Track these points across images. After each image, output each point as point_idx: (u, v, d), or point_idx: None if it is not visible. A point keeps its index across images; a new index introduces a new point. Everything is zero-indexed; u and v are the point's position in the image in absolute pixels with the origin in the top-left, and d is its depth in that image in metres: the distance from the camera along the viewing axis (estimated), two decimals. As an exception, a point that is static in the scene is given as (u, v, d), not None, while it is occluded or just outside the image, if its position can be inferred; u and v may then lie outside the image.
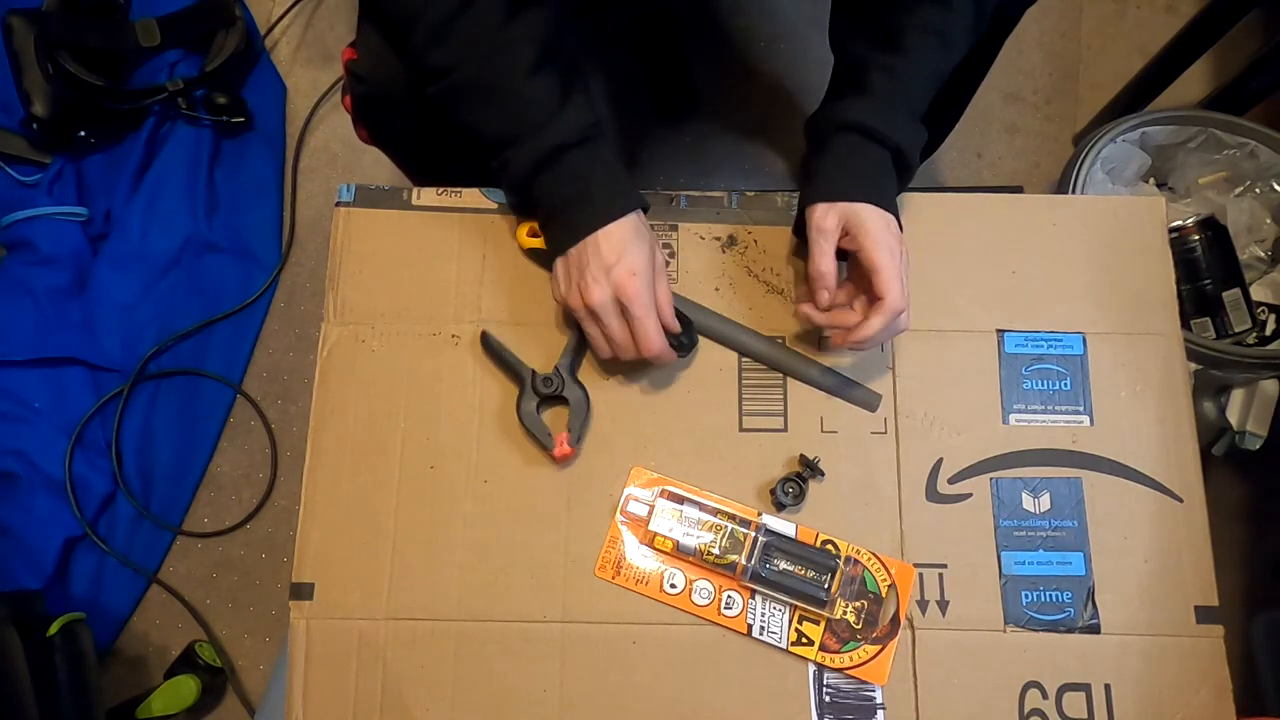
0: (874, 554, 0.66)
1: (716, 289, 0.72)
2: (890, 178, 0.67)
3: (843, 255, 0.67)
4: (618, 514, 0.67)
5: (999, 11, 0.73)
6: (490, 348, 0.69)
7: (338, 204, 0.74)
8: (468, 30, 0.64)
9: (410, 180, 0.92)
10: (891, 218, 0.65)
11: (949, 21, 0.67)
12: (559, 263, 0.66)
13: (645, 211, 0.67)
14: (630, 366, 0.70)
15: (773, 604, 0.65)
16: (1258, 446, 1.08)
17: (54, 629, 0.96)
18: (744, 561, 0.64)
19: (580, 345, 0.69)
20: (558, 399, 0.68)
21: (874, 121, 0.66)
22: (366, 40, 0.72)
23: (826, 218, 0.65)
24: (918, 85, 0.68)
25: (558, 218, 0.66)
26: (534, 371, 0.68)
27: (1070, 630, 0.65)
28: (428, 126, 0.77)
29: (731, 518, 0.66)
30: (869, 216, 0.64)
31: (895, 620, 0.65)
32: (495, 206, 0.74)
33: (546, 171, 0.65)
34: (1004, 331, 0.71)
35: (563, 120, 0.64)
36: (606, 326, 0.64)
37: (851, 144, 0.67)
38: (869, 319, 0.64)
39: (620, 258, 0.63)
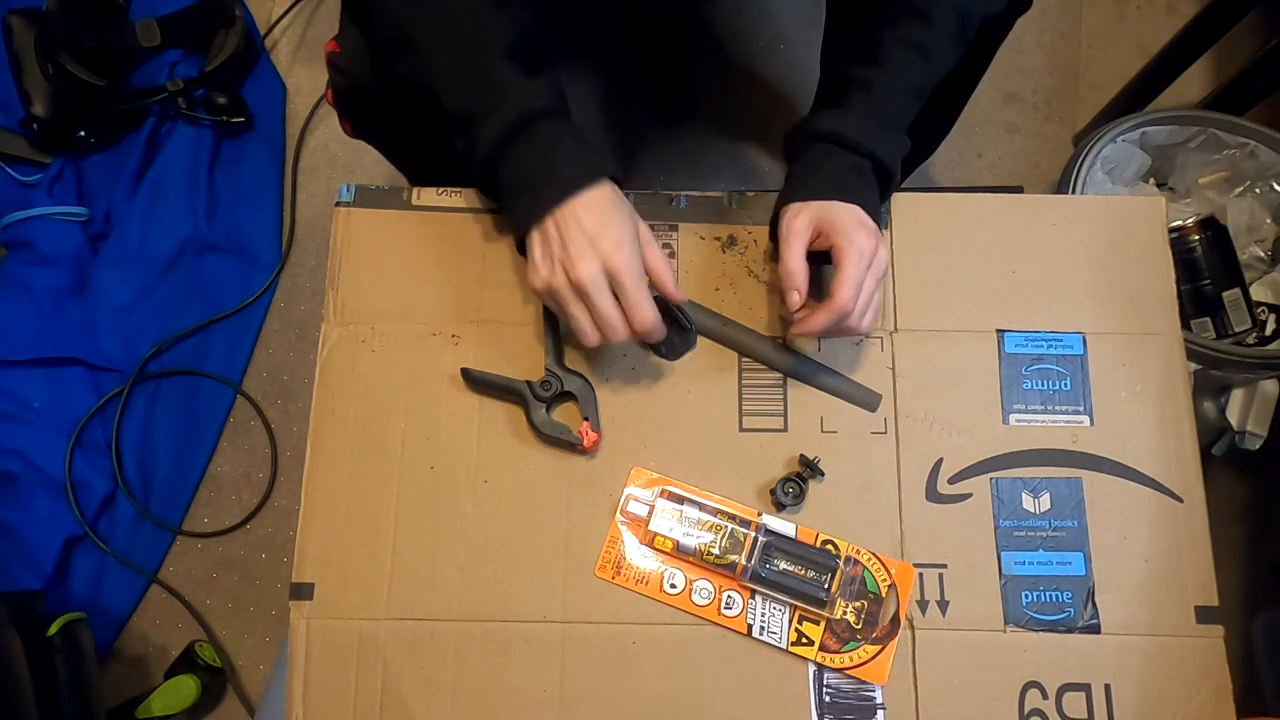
0: (874, 554, 0.66)
1: (716, 289, 0.72)
2: (867, 183, 0.67)
3: (825, 259, 0.66)
4: (618, 514, 0.67)
5: (986, 24, 0.72)
6: (475, 380, 0.68)
7: (338, 204, 0.74)
8: (450, 3, 0.62)
9: (401, 173, 0.92)
10: (866, 217, 0.65)
11: (930, 36, 0.67)
12: (535, 240, 0.61)
13: (618, 184, 0.63)
14: (625, 368, 0.70)
15: (773, 604, 0.65)
16: (1258, 446, 1.08)
17: (54, 629, 0.96)
18: (744, 561, 0.64)
19: (557, 334, 0.69)
20: (562, 396, 0.68)
21: (848, 131, 0.66)
22: (348, 33, 0.72)
23: (798, 217, 0.65)
24: (896, 98, 0.68)
25: (527, 190, 0.61)
26: (529, 382, 0.68)
27: (1070, 630, 0.65)
28: (407, 119, 0.77)
29: (731, 518, 0.66)
30: (839, 214, 0.64)
31: (895, 620, 0.65)
32: (495, 206, 0.74)
33: (513, 142, 0.61)
34: (1004, 331, 0.71)
35: (531, 89, 0.61)
36: (595, 304, 0.60)
37: (826, 151, 0.67)
38: (814, 314, 0.63)
39: (603, 227, 0.59)
